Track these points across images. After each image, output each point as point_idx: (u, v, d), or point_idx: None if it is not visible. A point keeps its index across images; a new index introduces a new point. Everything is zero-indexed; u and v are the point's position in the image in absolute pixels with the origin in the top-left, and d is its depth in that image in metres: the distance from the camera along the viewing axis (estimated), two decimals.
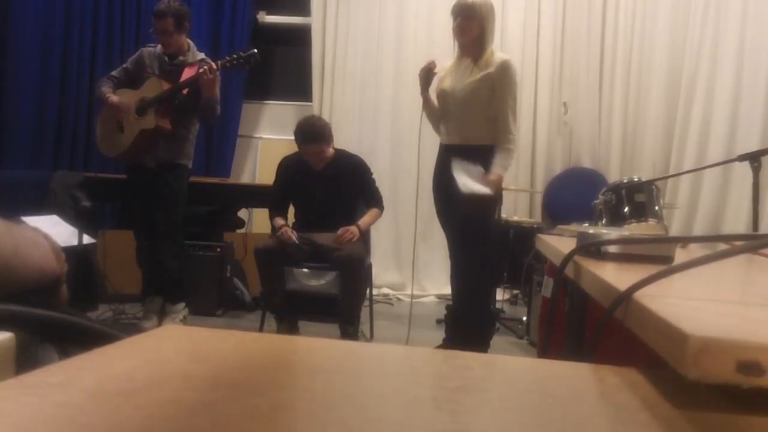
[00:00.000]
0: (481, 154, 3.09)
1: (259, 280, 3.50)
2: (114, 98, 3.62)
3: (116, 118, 3.65)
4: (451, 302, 3.43)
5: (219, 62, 3.48)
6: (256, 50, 3.48)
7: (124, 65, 3.79)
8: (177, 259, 3.67)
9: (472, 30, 3.09)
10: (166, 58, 3.66)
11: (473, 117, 3.10)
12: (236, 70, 3.65)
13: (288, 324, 3.52)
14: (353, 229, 3.44)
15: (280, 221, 3.54)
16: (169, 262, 3.62)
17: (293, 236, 3.42)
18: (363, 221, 3.53)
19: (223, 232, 4.60)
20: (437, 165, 3.26)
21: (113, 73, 3.78)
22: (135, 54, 3.80)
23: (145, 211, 3.65)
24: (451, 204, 3.16)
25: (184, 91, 3.54)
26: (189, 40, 3.72)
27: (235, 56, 3.50)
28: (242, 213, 5.05)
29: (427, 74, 3.15)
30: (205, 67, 3.42)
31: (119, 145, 3.64)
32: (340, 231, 3.42)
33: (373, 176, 3.67)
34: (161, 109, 3.53)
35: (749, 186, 2.62)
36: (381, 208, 3.64)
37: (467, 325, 3.17)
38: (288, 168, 3.67)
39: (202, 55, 3.72)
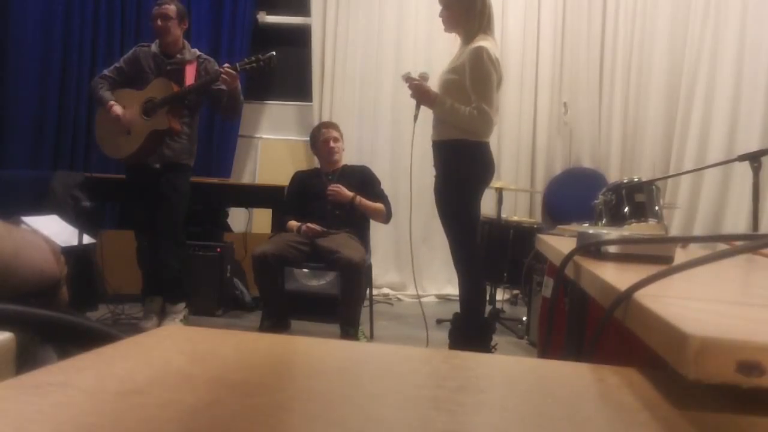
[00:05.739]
0: (453, 150, 2.92)
1: (257, 286, 3.52)
2: (117, 110, 3.55)
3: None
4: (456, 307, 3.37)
5: (238, 64, 3.47)
6: (274, 52, 3.46)
7: (117, 64, 3.72)
8: (178, 259, 3.66)
9: (451, 18, 2.96)
10: (164, 57, 3.63)
11: None
12: (255, 72, 3.56)
13: (277, 322, 3.51)
14: (345, 191, 3.61)
15: (294, 223, 3.64)
16: (171, 261, 3.61)
17: (317, 227, 3.55)
18: (364, 201, 3.64)
19: (222, 232, 4.60)
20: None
21: (106, 72, 3.70)
22: (128, 53, 3.74)
23: (146, 211, 3.63)
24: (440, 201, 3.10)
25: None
26: (183, 39, 3.69)
27: (254, 58, 3.47)
28: (241, 214, 5.06)
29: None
30: (227, 67, 3.41)
31: (127, 147, 3.58)
32: (331, 186, 3.62)
33: (382, 187, 3.83)
34: (173, 110, 3.52)
35: (749, 186, 2.62)
36: (387, 211, 3.73)
37: (464, 323, 3.15)
38: (301, 180, 3.86)
39: (197, 52, 3.70)
